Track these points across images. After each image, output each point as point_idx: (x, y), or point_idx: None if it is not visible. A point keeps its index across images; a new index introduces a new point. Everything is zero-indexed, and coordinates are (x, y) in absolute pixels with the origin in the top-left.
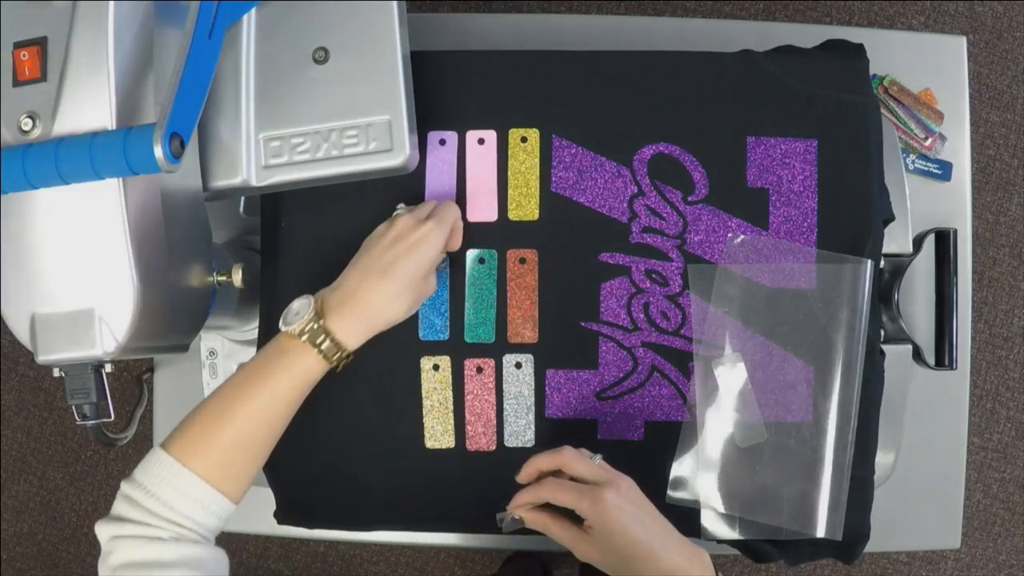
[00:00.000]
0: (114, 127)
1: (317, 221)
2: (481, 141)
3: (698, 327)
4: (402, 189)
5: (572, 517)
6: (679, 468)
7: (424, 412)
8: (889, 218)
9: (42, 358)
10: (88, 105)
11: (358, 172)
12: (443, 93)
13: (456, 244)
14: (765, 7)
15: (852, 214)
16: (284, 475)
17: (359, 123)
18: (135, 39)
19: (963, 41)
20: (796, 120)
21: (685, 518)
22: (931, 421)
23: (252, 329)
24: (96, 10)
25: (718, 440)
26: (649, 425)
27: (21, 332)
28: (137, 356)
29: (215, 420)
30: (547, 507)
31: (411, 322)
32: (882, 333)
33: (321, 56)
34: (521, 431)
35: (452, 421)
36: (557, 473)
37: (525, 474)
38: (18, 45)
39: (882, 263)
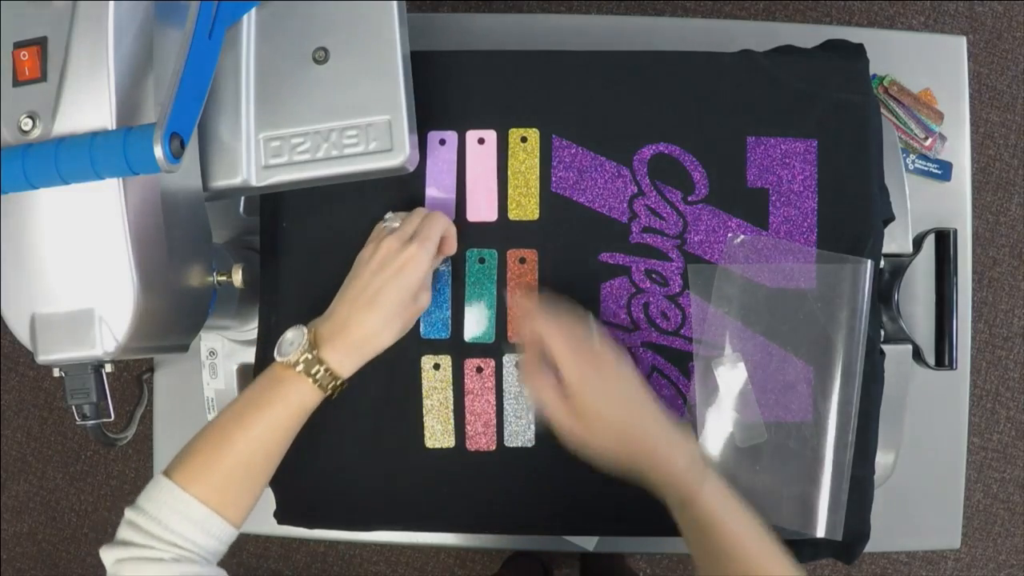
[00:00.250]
0: (114, 127)
1: (317, 221)
2: (481, 141)
3: (698, 327)
4: (402, 189)
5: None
6: None
7: (424, 411)
8: (889, 218)
9: (42, 358)
10: (88, 105)
11: (358, 172)
12: (443, 93)
13: (451, 250)
14: (765, 7)
15: (852, 214)
16: (284, 475)
17: (359, 123)
18: (135, 39)
19: (963, 41)
20: (796, 120)
21: None
22: (931, 421)
23: (252, 329)
24: (96, 10)
25: (718, 440)
26: None
27: (21, 332)
28: (137, 356)
29: (215, 448)
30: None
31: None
32: (882, 333)
33: (321, 56)
34: (521, 431)
35: (452, 421)
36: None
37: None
38: (18, 45)
39: (882, 263)
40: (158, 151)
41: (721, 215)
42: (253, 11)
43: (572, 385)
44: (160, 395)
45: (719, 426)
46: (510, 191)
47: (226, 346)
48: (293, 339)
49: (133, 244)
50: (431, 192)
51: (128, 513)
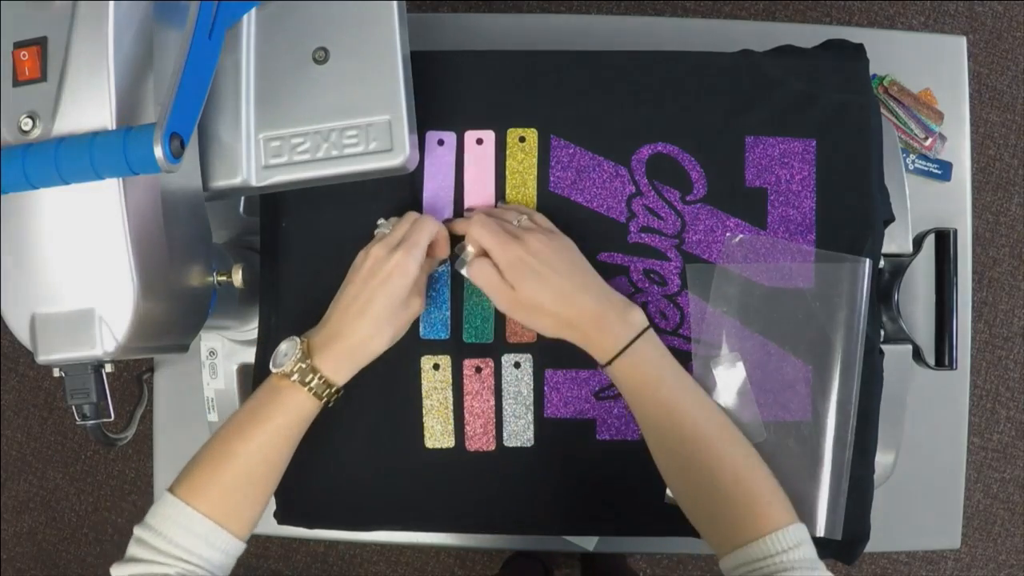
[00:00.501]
0: (114, 127)
1: (317, 221)
2: (480, 141)
3: (696, 327)
4: (401, 189)
5: None
6: None
7: (424, 412)
8: (889, 218)
9: (42, 358)
10: (88, 105)
11: (358, 172)
12: (442, 93)
13: (442, 253)
14: (765, 7)
15: (851, 214)
16: (284, 476)
17: (359, 123)
18: (135, 39)
19: (963, 41)
20: (795, 120)
21: (684, 518)
22: (931, 421)
23: (252, 329)
24: (96, 10)
25: None
26: None
27: (21, 332)
28: (137, 356)
29: (217, 462)
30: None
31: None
32: (882, 333)
33: (321, 56)
34: (520, 431)
35: (452, 421)
36: None
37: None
38: (18, 45)
39: (882, 263)
40: (158, 151)
41: (719, 215)
42: (253, 11)
43: (503, 269)
44: (160, 395)
45: None
46: (508, 191)
47: (226, 346)
48: (287, 350)
49: (133, 244)
50: (429, 192)
51: (136, 531)
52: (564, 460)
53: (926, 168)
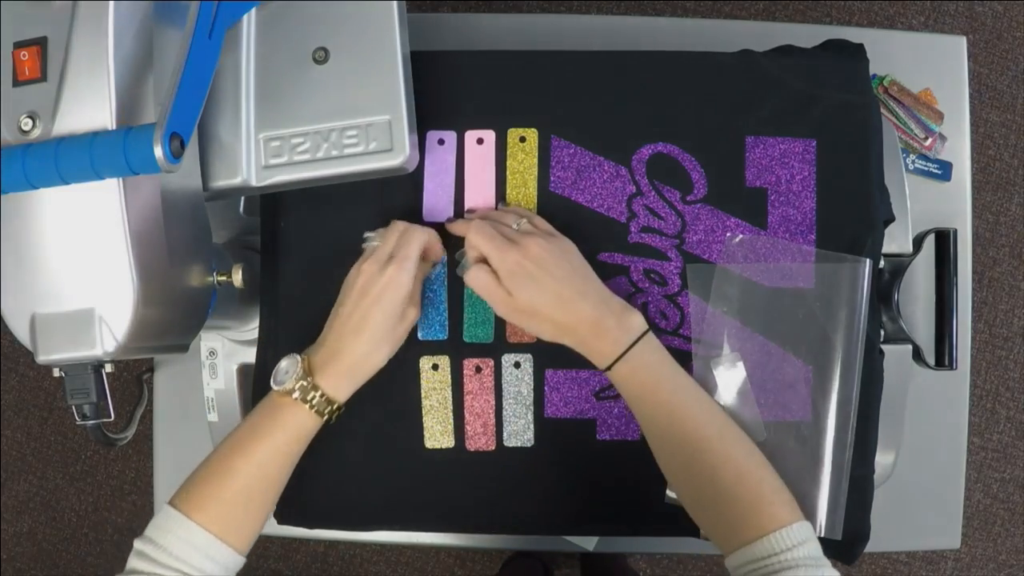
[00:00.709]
0: (114, 127)
1: (317, 221)
2: (480, 141)
3: (697, 327)
4: (402, 189)
5: None
6: None
7: (424, 412)
8: (889, 218)
9: (42, 358)
10: (88, 105)
11: (358, 172)
12: (442, 93)
13: (436, 256)
14: (765, 7)
15: (851, 214)
16: None
17: (359, 123)
18: (135, 39)
19: (963, 41)
20: (795, 120)
21: (684, 518)
22: (931, 421)
23: (252, 329)
24: (96, 10)
25: None
26: None
27: (21, 332)
28: (137, 356)
29: (218, 477)
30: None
31: None
32: (882, 333)
33: (321, 56)
34: (520, 431)
35: (451, 421)
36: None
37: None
38: (18, 45)
39: (882, 263)
40: (158, 151)
41: (720, 215)
42: (253, 11)
43: (501, 275)
44: (160, 395)
45: None
46: (509, 191)
47: (226, 346)
48: (288, 368)
49: (133, 244)
50: (430, 192)
51: (137, 543)
52: (564, 460)
53: (926, 168)
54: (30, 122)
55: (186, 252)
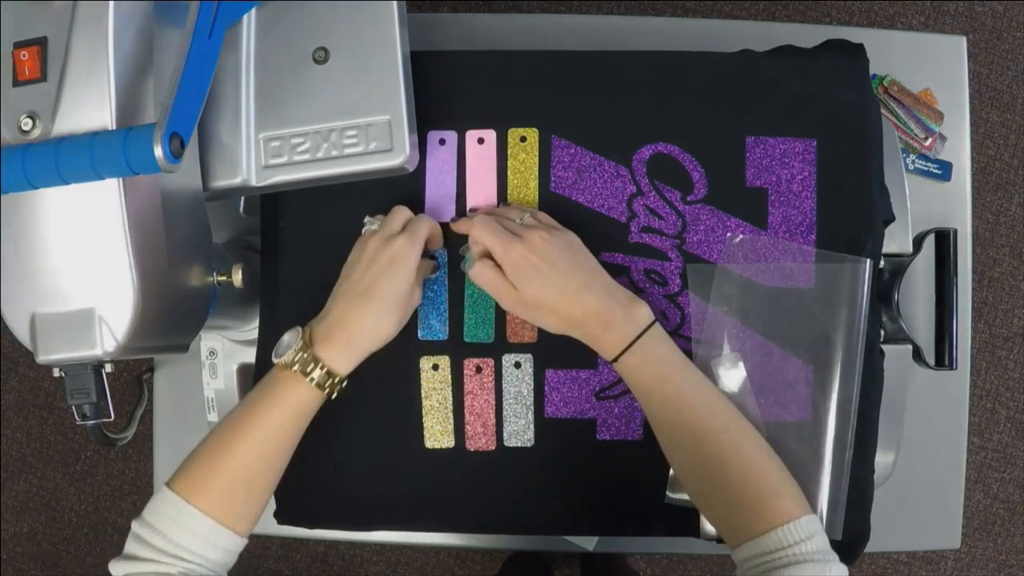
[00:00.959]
0: (114, 127)
1: (317, 221)
2: (481, 141)
3: (697, 327)
4: (403, 189)
5: None
6: None
7: (424, 412)
8: (889, 218)
9: (42, 358)
10: (88, 105)
11: (358, 172)
12: (443, 93)
13: (437, 245)
14: (765, 7)
15: (851, 214)
16: (284, 475)
17: (359, 123)
18: (135, 39)
19: (963, 41)
20: (795, 120)
21: (684, 518)
22: (931, 421)
23: (252, 329)
24: (96, 10)
25: None
26: (648, 425)
27: (21, 332)
28: (137, 356)
29: (216, 457)
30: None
31: (410, 322)
32: (882, 333)
33: (321, 56)
34: (520, 431)
35: (452, 421)
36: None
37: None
38: (18, 45)
39: (882, 263)
40: (158, 151)
41: (720, 215)
42: (253, 11)
43: (506, 268)
44: (160, 395)
45: None
46: (510, 191)
47: (226, 346)
48: (289, 341)
49: (133, 244)
50: (431, 192)
51: (135, 526)
52: (564, 460)
53: (926, 168)
54: (30, 122)
55: (186, 252)
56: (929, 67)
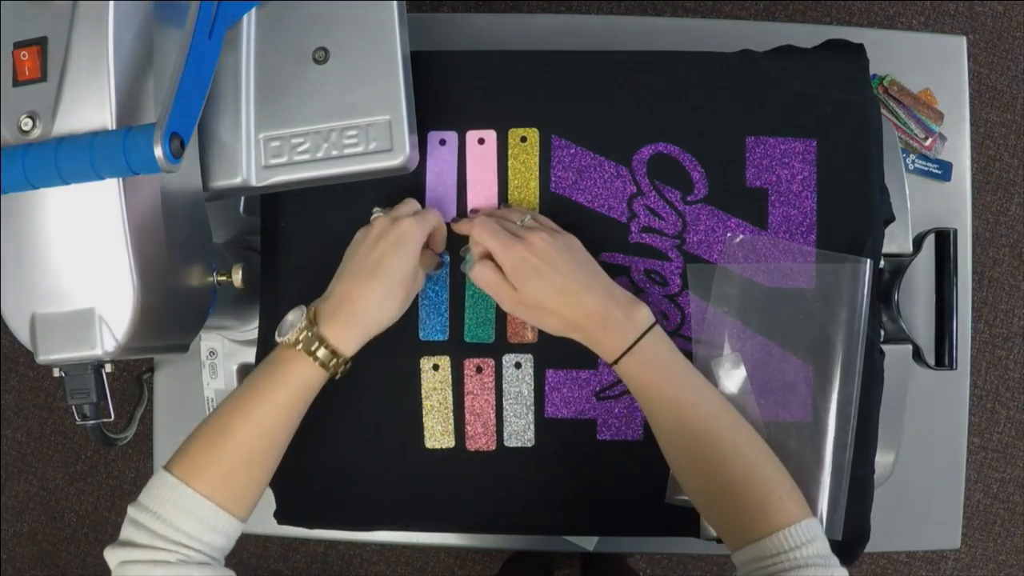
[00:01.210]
0: (114, 127)
1: (317, 221)
2: (481, 141)
3: (697, 327)
4: (402, 189)
5: None
6: None
7: (424, 412)
8: (889, 218)
9: (42, 358)
10: (88, 105)
11: (358, 172)
12: (443, 93)
13: (438, 247)
14: (765, 7)
15: (851, 214)
16: (284, 475)
17: (359, 123)
18: (135, 39)
19: (963, 41)
20: (795, 120)
21: (684, 518)
22: (931, 421)
23: (252, 329)
24: (96, 10)
25: None
26: (649, 425)
27: (21, 332)
28: (137, 356)
29: (216, 438)
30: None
31: (410, 322)
32: (882, 333)
33: (321, 56)
34: (521, 431)
35: (452, 421)
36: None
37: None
38: (18, 45)
39: (882, 263)
40: (158, 151)
41: (720, 215)
42: (253, 11)
43: (506, 270)
44: (160, 395)
45: None
46: (510, 191)
47: (226, 346)
48: (293, 319)
49: (133, 244)
50: (432, 192)
51: (131, 511)
52: (564, 460)
53: (926, 168)
54: (30, 122)
55: (186, 252)
56: (929, 67)
